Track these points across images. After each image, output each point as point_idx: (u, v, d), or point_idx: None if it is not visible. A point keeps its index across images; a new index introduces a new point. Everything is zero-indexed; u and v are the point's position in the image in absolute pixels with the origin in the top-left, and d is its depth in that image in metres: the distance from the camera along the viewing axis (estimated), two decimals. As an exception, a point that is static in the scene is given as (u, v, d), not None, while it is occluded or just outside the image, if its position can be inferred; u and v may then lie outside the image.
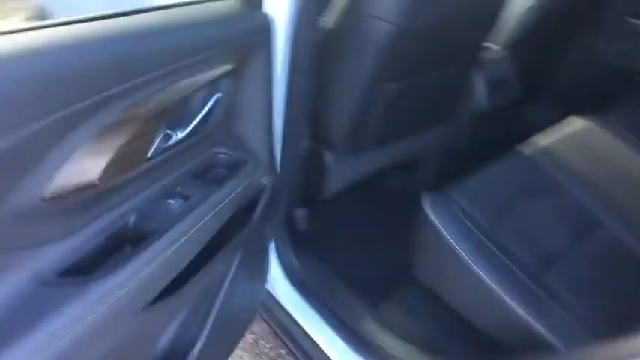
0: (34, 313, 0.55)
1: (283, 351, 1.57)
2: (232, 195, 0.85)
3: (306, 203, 1.49)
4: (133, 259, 0.65)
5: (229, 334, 1.15)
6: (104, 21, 0.59)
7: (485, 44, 1.57)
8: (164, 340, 0.88)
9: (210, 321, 0.97)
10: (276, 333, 1.48)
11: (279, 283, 1.38)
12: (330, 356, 1.24)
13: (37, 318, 0.55)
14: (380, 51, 1.12)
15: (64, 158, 0.56)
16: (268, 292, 1.41)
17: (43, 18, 2.23)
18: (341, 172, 1.46)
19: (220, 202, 0.81)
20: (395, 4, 1.04)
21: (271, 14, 0.91)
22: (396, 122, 1.44)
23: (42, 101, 0.51)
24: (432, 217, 1.15)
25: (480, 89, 1.64)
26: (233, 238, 0.92)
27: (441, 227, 1.12)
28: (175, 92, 0.69)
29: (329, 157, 1.41)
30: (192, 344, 0.93)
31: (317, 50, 1.13)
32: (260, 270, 1.22)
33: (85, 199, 0.63)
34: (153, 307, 0.73)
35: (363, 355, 1.14)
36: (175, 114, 0.73)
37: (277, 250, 1.37)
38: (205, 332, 0.95)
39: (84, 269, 0.63)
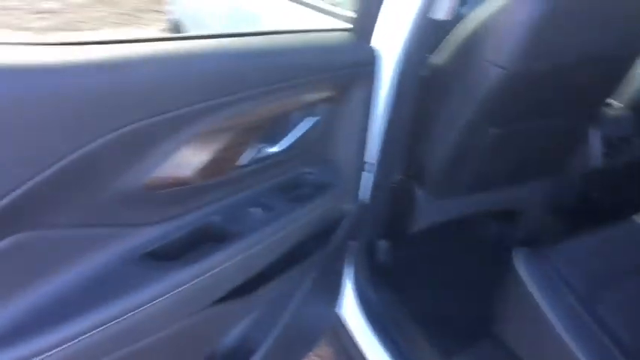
0: (116, 286, 0.62)
1: (345, 381, 1.54)
2: (313, 215, 0.87)
3: (390, 236, 1.47)
4: (210, 256, 0.70)
5: (291, 350, 1.16)
6: (219, 39, 0.66)
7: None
8: (227, 341, 0.91)
9: (273, 334, 0.99)
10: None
11: (352, 312, 1.37)
12: None
13: (117, 291, 0.62)
14: (487, 94, 1.09)
15: (168, 154, 0.62)
16: (339, 318, 1.40)
17: (177, 29, 2.48)
18: (430, 211, 1.43)
19: (300, 219, 0.84)
20: (507, 48, 1.02)
21: (380, 48, 0.93)
22: (496, 169, 1.38)
23: (152, 103, 0.57)
24: (524, 275, 1.08)
25: (594, 146, 1.53)
26: (309, 257, 0.94)
27: (531, 287, 1.05)
28: (274, 110, 0.73)
29: (419, 194, 1.39)
30: (253, 352, 0.95)
31: (422, 87, 1.13)
32: (332, 294, 1.22)
33: (178, 193, 0.69)
34: (220, 305, 0.77)
35: None
36: (272, 130, 0.78)
37: (355, 278, 1.37)
38: (267, 344, 0.97)
39: (166, 256, 0.69)
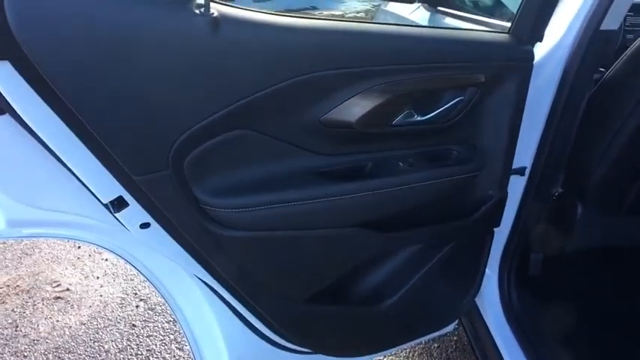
0: (298, 184, 0.90)
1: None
2: (450, 177, 1.02)
3: (545, 249, 1.48)
4: (358, 183, 0.95)
5: (421, 313, 1.27)
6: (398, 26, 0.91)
7: None
8: (365, 279, 1.11)
9: (406, 287, 1.14)
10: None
11: (494, 313, 1.41)
12: None
13: (298, 186, 0.90)
14: None
15: (341, 100, 0.86)
16: (482, 319, 1.46)
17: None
18: (590, 229, 1.41)
19: (437, 177, 1.01)
20: None
21: (539, 55, 1.04)
22: None
23: (340, 60, 0.83)
24: None
25: None
26: (447, 222, 1.08)
27: None
28: (428, 83, 0.93)
29: (579, 209, 1.39)
30: (384, 298, 1.13)
31: (589, 100, 1.17)
32: (468, 277, 1.29)
33: (344, 136, 0.93)
34: (363, 229, 0.99)
35: None
36: (423, 101, 0.97)
37: (500, 280, 1.42)
38: (399, 295, 1.13)
39: (331, 177, 0.94)
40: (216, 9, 0.71)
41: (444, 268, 1.20)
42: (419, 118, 0.97)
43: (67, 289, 2.18)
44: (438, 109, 0.99)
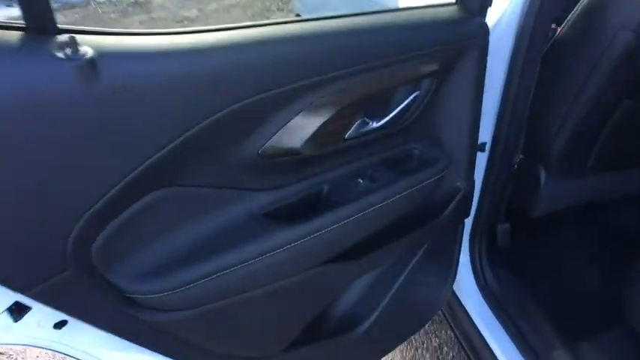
0: (239, 238, 0.73)
1: (464, 362, 1.54)
2: (419, 188, 0.90)
3: (510, 218, 1.43)
4: (318, 219, 0.79)
5: (402, 322, 1.21)
6: (326, 20, 0.72)
7: None
8: (339, 305, 1.00)
9: (384, 303, 1.05)
10: (460, 342, 1.47)
11: (469, 293, 1.36)
12: None
13: (240, 242, 0.73)
14: (617, 62, 1.01)
15: (278, 126, 0.71)
16: (457, 300, 1.41)
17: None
18: (554, 193, 1.36)
19: (405, 190, 0.88)
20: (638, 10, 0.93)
21: (489, 22, 0.91)
22: (630, 145, 1.26)
23: (263, 80, 0.65)
24: None
25: None
26: (418, 229, 0.98)
27: None
28: (380, 84, 0.79)
29: (542, 174, 1.33)
30: (364, 318, 1.03)
31: (542, 60, 1.07)
32: (445, 271, 1.23)
33: (291, 163, 0.79)
34: (330, 265, 0.86)
35: None
36: (375, 105, 0.83)
37: (472, 260, 1.36)
38: (378, 312, 1.04)
39: (281, 217, 0.79)
40: (89, 45, 0.51)
41: (420, 268, 1.11)
42: (375, 125, 0.83)
43: None
44: (394, 110, 0.84)
